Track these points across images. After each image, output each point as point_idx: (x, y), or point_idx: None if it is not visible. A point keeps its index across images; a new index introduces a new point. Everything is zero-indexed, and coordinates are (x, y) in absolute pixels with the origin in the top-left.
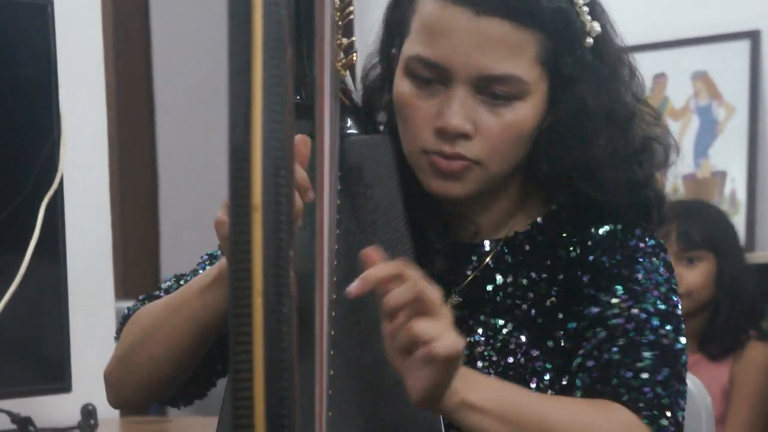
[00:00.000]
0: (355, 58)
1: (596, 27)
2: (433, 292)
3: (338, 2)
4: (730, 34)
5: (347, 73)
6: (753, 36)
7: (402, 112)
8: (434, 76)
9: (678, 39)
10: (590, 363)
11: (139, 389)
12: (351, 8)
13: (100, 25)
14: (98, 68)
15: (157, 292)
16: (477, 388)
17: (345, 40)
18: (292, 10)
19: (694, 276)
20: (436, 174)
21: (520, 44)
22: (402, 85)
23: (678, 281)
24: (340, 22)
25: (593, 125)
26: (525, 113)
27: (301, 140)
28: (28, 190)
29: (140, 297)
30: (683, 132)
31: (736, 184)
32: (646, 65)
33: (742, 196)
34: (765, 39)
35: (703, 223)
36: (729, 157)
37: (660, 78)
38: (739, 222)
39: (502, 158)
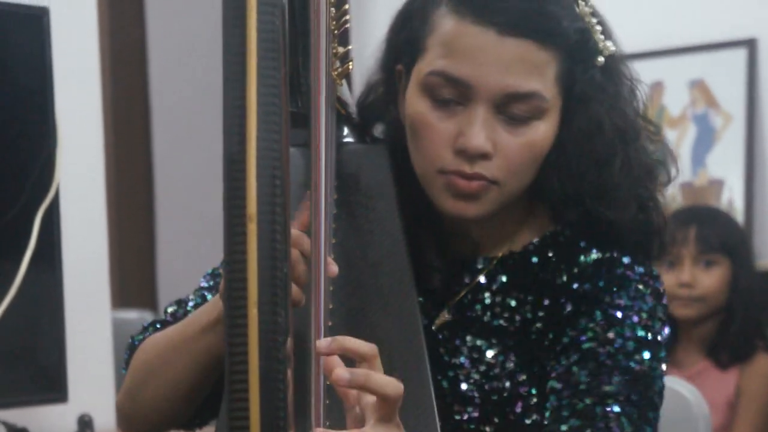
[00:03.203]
0: (351, 66)
1: (610, 46)
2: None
3: (334, 11)
4: (727, 42)
5: (343, 82)
6: (750, 44)
7: (418, 131)
8: (454, 95)
9: (675, 47)
10: (559, 386)
11: (149, 420)
12: (347, 17)
13: (97, 34)
14: (94, 77)
15: (163, 317)
16: None
17: (341, 49)
18: (288, 19)
19: (710, 280)
20: (453, 194)
21: (543, 63)
22: (419, 104)
23: (694, 284)
24: (336, 31)
25: (608, 145)
26: (542, 132)
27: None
28: (24, 199)
29: (145, 324)
30: (680, 140)
31: (734, 192)
32: (642, 73)
33: (739, 204)
34: (762, 47)
35: (720, 229)
36: (726, 165)
37: (657, 86)
38: None
39: (518, 178)
